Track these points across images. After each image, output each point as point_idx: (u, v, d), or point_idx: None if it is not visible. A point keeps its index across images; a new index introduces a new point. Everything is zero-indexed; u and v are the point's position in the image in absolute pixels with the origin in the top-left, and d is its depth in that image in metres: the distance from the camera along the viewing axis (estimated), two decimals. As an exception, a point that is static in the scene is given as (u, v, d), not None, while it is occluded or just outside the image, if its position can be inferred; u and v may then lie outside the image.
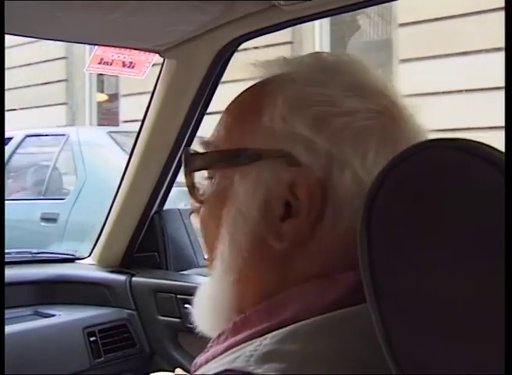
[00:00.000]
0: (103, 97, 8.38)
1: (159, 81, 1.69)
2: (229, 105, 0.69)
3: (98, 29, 1.50)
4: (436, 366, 0.47)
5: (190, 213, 0.75)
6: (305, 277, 0.60)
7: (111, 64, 1.77)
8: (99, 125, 7.97)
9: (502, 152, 0.46)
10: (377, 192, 0.50)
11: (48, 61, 8.32)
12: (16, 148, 4.98)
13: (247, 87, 0.69)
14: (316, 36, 6.33)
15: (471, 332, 0.45)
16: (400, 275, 0.48)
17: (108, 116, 8.27)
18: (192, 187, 0.69)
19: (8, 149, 4.89)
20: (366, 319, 0.52)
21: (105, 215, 1.92)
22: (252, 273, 0.63)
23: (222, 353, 0.60)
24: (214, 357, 0.60)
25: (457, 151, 0.47)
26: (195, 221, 0.72)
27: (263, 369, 0.51)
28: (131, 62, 1.79)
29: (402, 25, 5.47)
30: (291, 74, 0.65)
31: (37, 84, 8.20)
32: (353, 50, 6.65)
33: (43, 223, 4.49)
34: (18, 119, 8.42)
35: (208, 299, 0.67)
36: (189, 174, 0.69)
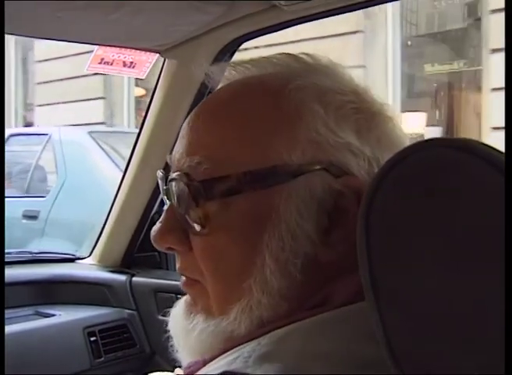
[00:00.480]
0: (141, 91, 8.32)
1: (160, 81, 1.69)
2: (225, 115, 0.62)
3: (99, 29, 1.50)
4: (436, 366, 0.47)
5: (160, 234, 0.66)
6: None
7: (111, 64, 1.77)
8: (136, 119, 8.11)
9: (501, 152, 0.46)
10: (375, 191, 0.49)
11: (85, 53, 8.18)
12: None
13: None
14: (389, 24, 6.26)
15: (470, 332, 0.45)
16: (399, 274, 0.48)
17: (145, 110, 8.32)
18: (207, 219, 0.60)
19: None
20: (364, 318, 0.52)
21: (106, 215, 1.92)
22: (296, 295, 0.58)
23: (217, 355, 0.59)
24: (212, 358, 0.60)
25: (456, 151, 0.47)
26: (172, 250, 0.65)
27: (261, 369, 0.51)
28: (132, 62, 1.80)
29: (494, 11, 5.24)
30: (304, 78, 0.62)
31: (75, 77, 8.01)
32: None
33: (24, 221, 4.60)
34: (56, 114, 8.32)
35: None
36: (204, 203, 0.59)
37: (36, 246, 4.16)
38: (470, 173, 0.46)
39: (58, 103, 8.55)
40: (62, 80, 8.29)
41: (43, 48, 8.51)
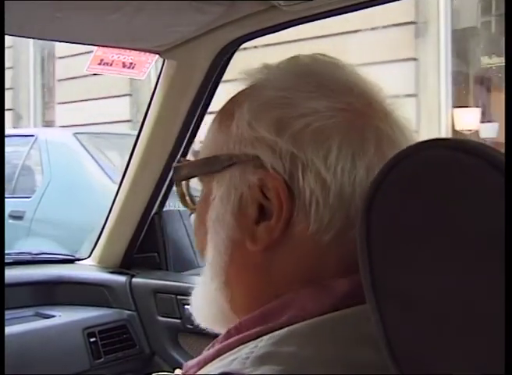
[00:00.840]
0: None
1: (159, 82, 1.69)
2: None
3: (98, 29, 1.50)
4: (436, 366, 0.46)
5: (190, 215, 0.77)
6: (290, 281, 0.61)
7: (111, 65, 1.77)
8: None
9: (501, 152, 0.46)
10: (375, 192, 0.50)
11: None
12: None
13: None
14: (441, 14, 6.13)
15: (471, 332, 0.45)
16: (400, 275, 0.48)
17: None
18: (182, 197, 0.73)
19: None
20: (362, 321, 0.52)
21: (105, 215, 1.92)
22: (235, 278, 0.65)
23: (214, 356, 0.59)
24: (206, 360, 0.60)
25: (457, 151, 0.47)
26: None
27: (259, 371, 0.51)
28: (131, 63, 1.80)
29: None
30: (265, 80, 0.67)
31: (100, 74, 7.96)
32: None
33: (10, 220, 4.63)
34: (79, 112, 8.11)
35: (202, 301, 0.69)
36: (178, 184, 0.73)
37: (22, 246, 4.25)
38: (470, 174, 0.46)
39: (81, 101, 8.28)
40: (86, 76, 7.91)
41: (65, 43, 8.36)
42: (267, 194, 0.61)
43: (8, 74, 9.26)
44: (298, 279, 0.61)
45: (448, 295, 0.46)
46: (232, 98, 0.70)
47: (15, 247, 4.08)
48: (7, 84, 8.92)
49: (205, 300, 0.68)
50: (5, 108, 10.10)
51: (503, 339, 0.43)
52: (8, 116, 9.94)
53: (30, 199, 4.71)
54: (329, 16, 1.40)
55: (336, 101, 0.62)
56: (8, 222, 4.58)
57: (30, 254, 2.03)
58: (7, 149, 5.33)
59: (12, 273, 1.78)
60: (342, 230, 0.59)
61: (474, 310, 0.45)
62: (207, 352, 0.62)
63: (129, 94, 8.05)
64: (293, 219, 0.60)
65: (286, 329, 0.56)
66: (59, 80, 9.00)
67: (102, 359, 1.69)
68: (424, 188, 0.48)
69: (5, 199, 4.78)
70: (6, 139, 5.39)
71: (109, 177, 4.36)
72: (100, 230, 1.96)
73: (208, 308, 0.68)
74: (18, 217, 4.63)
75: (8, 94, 10.05)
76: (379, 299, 0.49)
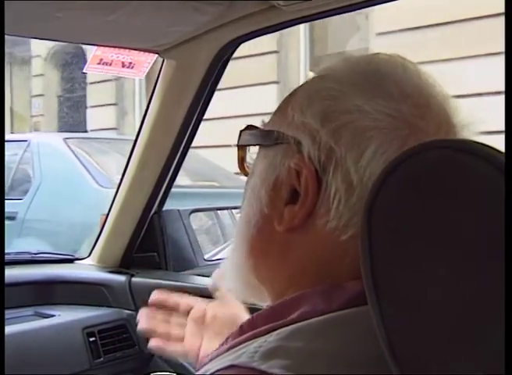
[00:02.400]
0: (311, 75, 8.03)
1: (158, 82, 1.69)
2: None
3: (98, 29, 1.50)
4: (437, 366, 0.47)
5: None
6: (304, 271, 0.63)
7: (110, 64, 1.77)
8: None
9: (502, 153, 0.46)
10: (378, 191, 0.50)
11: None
12: None
13: None
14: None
15: (471, 332, 0.45)
16: (402, 275, 0.48)
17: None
18: (239, 161, 0.75)
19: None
20: (370, 319, 0.52)
21: (105, 215, 1.92)
22: (259, 251, 0.67)
23: (225, 351, 0.60)
24: (218, 355, 0.61)
25: (457, 152, 0.47)
26: None
27: (267, 365, 0.52)
28: (130, 63, 1.80)
29: None
30: (330, 70, 0.68)
31: (248, 56, 7.17)
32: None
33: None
34: (229, 100, 7.46)
35: (229, 269, 0.72)
36: (239, 148, 0.75)
37: (16, 245, 4.42)
38: (472, 174, 0.46)
39: (231, 88, 7.51)
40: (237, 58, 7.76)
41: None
42: (300, 180, 0.63)
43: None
44: (313, 273, 0.62)
45: (448, 295, 0.46)
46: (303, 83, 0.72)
47: (9, 246, 4.16)
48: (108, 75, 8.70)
49: (231, 267, 0.71)
50: (109, 102, 9.63)
51: (503, 339, 0.43)
52: (110, 112, 9.71)
53: (22, 201, 4.89)
54: (329, 16, 1.40)
55: (386, 105, 0.61)
56: (0, 222, 4.70)
57: (29, 253, 2.03)
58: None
59: (11, 273, 1.78)
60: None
61: (474, 310, 0.45)
62: (221, 348, 0.62)
63: (277, 82, 7.60)
64: (316, 211, 0.62)
65: (295, 325, 0.57)
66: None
67: (102, 359, 1.69)
68: (425, 189, 0.48)
69: (-1, 200, 4.93)
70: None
71: (95, 180, 4.55)
72: (99, 229, 1.96)
73: (235, 276, 0.71)
74: (11, 218, 4.77)
75: (110, 86, 9.71)
76: (380, 299, 0.49)
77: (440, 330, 0.46)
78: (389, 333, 0.48)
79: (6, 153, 5.41)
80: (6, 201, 4.86)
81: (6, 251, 1.96)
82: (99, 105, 9.91)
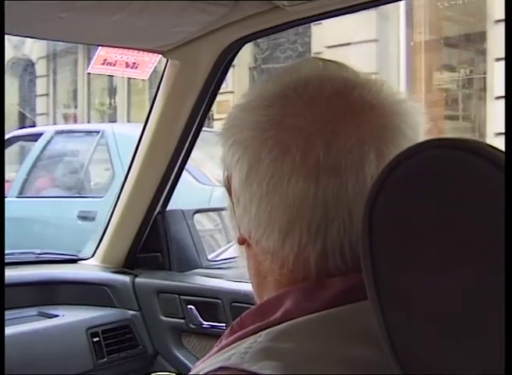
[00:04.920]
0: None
1: (162, 82, 1.70)
2: None
3: (102, 30, 1.50)
4: (438, 366, 0.47)
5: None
6: (263, 277, 0.65)
7: (114, 65, 1.77)
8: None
9: (503, 151, 0.46)
10: (378, 191, 0.50)
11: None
12: (46, 144, 5.00)
13: None
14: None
15: (472, 332, 0.45)
16: (402, 274, 0.48)
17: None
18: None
19: (38, 146, 4.95)
20: (359, 318, 0.53)
21: (109, 215, 1.93)
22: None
23: (216, 352, 0.60)
24: (209, 357, 0.61)
25: (458, 151, 0.47)
26: None
27: (258, 366, 0.52)
28: (134, 63, 1.80)
29: None
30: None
31: (347, 44, 6.93)
32: None
33: (80, 222, 4.45)
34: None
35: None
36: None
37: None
38: (472, 173, 0.46)
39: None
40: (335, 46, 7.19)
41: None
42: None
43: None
44: (274, 280, 0.64)
45: (449, 295, 0.46)
46: None
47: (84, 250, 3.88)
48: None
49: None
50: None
51: (503, 339, 0.43)
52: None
53: (101, 199, 4.41)
54: (332, 16, 1.40)
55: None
56: (77, 223, 4.43)
57: (33, 254, 2.03)
58: (66, 146, 5.17)
59: (15, 273, 1.78)
60: None
61: (476, 310, 0.45)
62: (213, 350, 0.63)
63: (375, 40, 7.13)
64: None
65: (284, 324, 0.57)
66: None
67: (105, 359, 1.69)
68: (425, 188, 0.48)
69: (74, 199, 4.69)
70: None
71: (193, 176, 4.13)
72: (103, 229, 1.96)
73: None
74: (89, 218, 4.36)
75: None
76: (382, 299, 0.49)
77: (441, 330, 0.46)
78: (390, 333, 0.48)
79: (77, 145, 5.12)
80: (82, 199, 4.62)
81: (13, 251, 1.97)
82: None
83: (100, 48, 1.75)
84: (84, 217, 4.42)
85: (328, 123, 0.59)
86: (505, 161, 0.45)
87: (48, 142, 4.99)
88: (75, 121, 11.69)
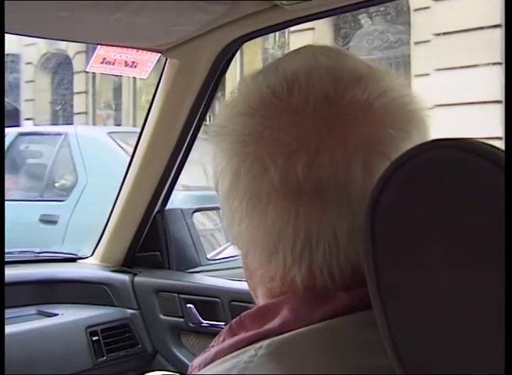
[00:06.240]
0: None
1: (161, 81, 1.69)
2: None
3: (101, 29, 1.50)
4: (439, 367, 0.47)
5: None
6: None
7: (113, 64, 1.77)
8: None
9: (504, 151, 0.46)
10: (381, 192, 0.50)
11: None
12: (9, 146, 4.90)
13: None
14: None
15: (474, 332, 0.45)
16: (405, 275, 0.48)
17: None
18: None
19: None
20: (361, 327, 0.52)
21: (108, 214, 1.93)
22: None
23: (213, 358, 0.58)
24: (206, 361, 0.59)
25: (460, 151, 0.47)
26: None
27: None
28: (133, 62, 1.80)
29: None
30: None
31: (470, 29, 6.05)
32: None
33: (42, 225, 4.39)
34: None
35: None
36: None
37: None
38: (474, 173, 0.46)
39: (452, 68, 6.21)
40: (458, 32, 6.15)
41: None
42: None
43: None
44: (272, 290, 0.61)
45: (451, 295, 0.46)
46: None
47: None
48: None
49: None
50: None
51: (503, 339, 0.43)
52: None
53: (63, 203, 4.39)
54: (331, 15, 1.41)
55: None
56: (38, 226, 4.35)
57: (32, 252, 2.03)
58: (29, 148, 5.08)
59: (14, 272, 1.78)
60: None
61: (478, 310, 0.45)
62: (211, 350, 0.61)
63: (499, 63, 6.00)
64: None
65: (283, 336, 0.55)
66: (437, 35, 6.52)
67: (105, 358, 1.69)
68: (428, 189, 0.48)
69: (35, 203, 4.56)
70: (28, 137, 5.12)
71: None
72: (102, 228, 1.96)
73: None
74: (51, 222, 4.31)
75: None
76: (384, 299, 0.49)
77: (443, 330, 0.46)
78: (392, 333, 0.48)
79: (40, 147, 4.97)
80: (43, 203, 4.47)
81: (12, 250, 1.97)
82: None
83: (99, 46, 1.75)
84: (46, 221, 4.36)
85: (313, 138, 0.54)
86: (505, 161, 0.45)
87: (11, 144, 4.89)
88: (117, 123, 10.97)
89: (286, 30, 7.14)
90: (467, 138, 0.48)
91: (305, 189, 0.54)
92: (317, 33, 7.64)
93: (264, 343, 0.54)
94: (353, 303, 0.54)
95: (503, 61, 5.70)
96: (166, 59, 1.68)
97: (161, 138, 1.74)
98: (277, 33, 7.72)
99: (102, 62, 1.76)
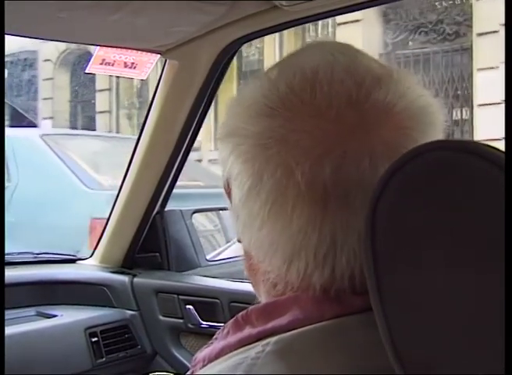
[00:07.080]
0: None
1: (161, 82, 1.70)
2: None
3: (100, 30, 1.50)
4: (439, 367, 0.47)
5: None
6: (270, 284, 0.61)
7: (112, 65, 1.77)
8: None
9: (503, 152, 0.46)
10: (381, 193, 0.50)
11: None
12: None
13: None
14: None
15: (474, 332, 0.45)
16: (404, 276, 0.48)
17: None
18: None
19: None
20: (368, 327, 0.51)
21: (107, 215, 1.93)
22: None
23: (219, 353, 0.58)
24: (210, 356, 0.59)
25: (460, 153, 0.47)
26: None
27: None
28: (133, 63, 1.80)
29: None
30: None
31: None
32: None
33: None
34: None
35: None
36: None
37: None
38: (475, 175, 0.46)
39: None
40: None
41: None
42: None
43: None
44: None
45: (451, 295, 0.46)
46: None
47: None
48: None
49: None
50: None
51: (503, 339, 0.43)
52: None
53: None
54: (331, 16, 1.41)
55: None
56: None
57: (31, 254, 2.03)
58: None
59: (13, 273, 1.78)
60: None
61: (478, 311, 0.45)
62: (213, 346, 0.61)
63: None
64: None
65: (291, 333, 0.54)
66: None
67: (104, 359, 1.69)
68: (427, 190, 0.48)
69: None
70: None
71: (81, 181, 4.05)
72: (102, 229, 1.96)
73: None
74: None
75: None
76: (384, 299, 0.49)
77: (443, 330, 0.46)
78: (392, 333, 0.48)
79: None
80: None
81: (12, 251, 1.97)
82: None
83: (98, 47, 1.75)
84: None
85: (338, 142, 0.53)
86: (505, 161, 0.45)
87: None
88: (140, 121, 10.17)
89: (330, 20, 6.73)
90: (467, 140, 0.48)
91: (332, 194, 0.52)
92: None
93: (272, 340, 0.54)
94: (365, 306, 0.53)
95: None
96: (165, 60, 1.68)
97: (160, 139, 1.74)
98: (319, 23, 7.39)
99: (102, 63, 1.76)
